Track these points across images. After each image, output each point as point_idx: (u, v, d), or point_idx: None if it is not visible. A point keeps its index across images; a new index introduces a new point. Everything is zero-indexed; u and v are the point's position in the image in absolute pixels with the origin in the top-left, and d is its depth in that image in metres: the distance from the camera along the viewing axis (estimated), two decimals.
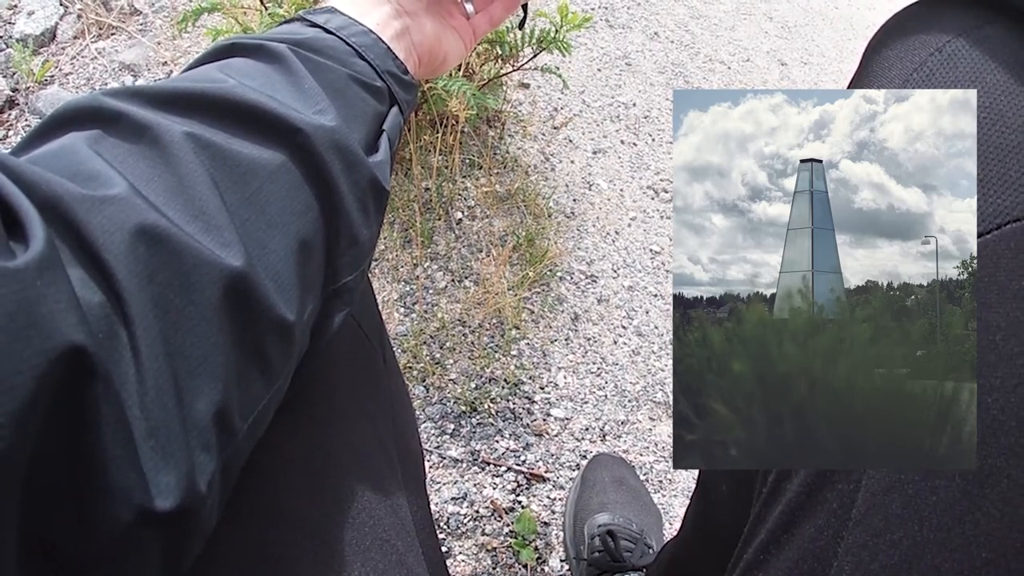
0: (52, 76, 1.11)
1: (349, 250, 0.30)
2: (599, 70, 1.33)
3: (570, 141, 1.18)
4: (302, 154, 0.28)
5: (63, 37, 1.17)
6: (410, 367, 0.88)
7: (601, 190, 1.13)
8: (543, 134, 1.17)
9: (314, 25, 0.34)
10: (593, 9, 1.43)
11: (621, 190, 1.14)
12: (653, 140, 1.25)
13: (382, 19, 0.36)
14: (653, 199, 1.15)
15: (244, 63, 0.30)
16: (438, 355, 0.90)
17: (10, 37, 1.13)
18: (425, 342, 0.90)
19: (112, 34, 1.19)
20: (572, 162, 1.15)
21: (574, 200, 1.10)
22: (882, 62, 0.30)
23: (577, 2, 1.43)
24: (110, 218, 0.20)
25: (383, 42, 0.35)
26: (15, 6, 1.18)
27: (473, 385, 0.88)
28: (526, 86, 1.22)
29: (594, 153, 1.18)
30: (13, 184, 0.19)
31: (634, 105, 1.29)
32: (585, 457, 0.86)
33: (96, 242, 0.20)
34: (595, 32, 1.39)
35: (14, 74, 1.09)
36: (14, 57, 1.08)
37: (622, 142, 1.22)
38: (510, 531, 0.79)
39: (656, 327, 1.00)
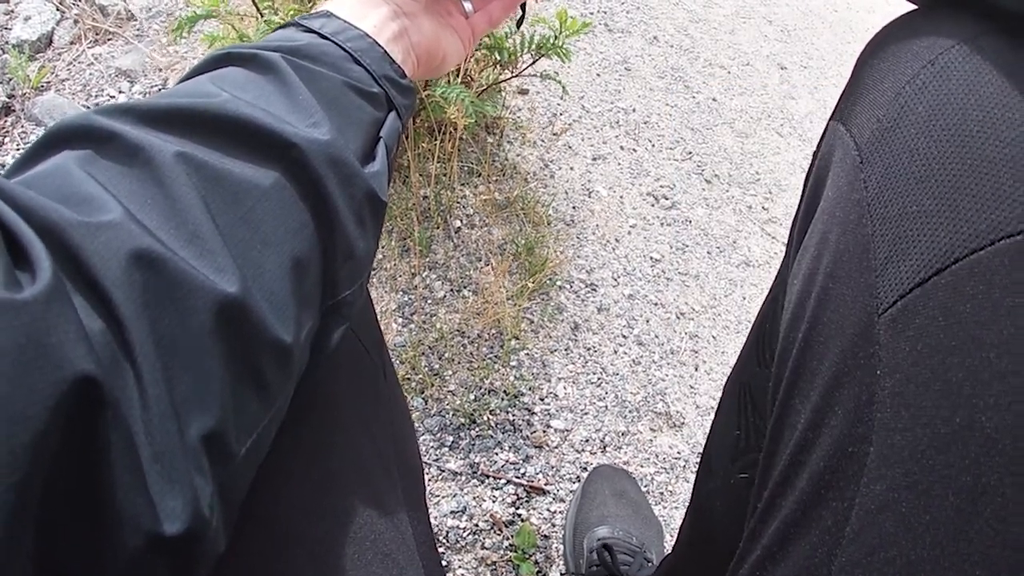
0: (48, 82, 1.11)
1: (346, 264, 0.30)
2: (598, 75, 1.32)
3: (569, 147, 1.18)
4: (296, 169, 0.27)
5: (59, 43, 1.17)
6: (408, 378, 0.87)
7: (601, 197, 1.13)
8: (542, 140, 1.17)
9: (309, 30, 0.33)
10: (592, 14, 1.42)
11: (621, 197, 1.14)
12: (653, 146, 1.24)
13: (380, 21, 0.35)
14: (653, 206, 1.15)
15: (238, 74, 0.30)
16: (437, 366, 0.89)
17: (6, 42, 1.12)
18: (423, 353, 0.90)
19: (109, 39, 1.19)
20: (571, 168, 1.15)
21: (574, 207, 1.10)
22: (874, 74, 0.29)
23: (576, 6, 1.43)
24: (106, 244, 0.20)
25: (379, 46, 0.34)
26: (12, 12, 1.17)
27: (472, 397, 0.87)
28: (525, 92, 1.22)
29: (594, 159, 1.18)
30: (13, 212, 0.19)
31: (634, 111, 1.28)
32: (585, 469, 0.85)
33: (94, 268, 0.20)
34: (594, 37, 1.38)
35: (10, 80, 1.08)
36: (10, 63, 1.07)
37: (622, 148, 1.21)
38: (510, 545, 0.78)
39: (656, 336, 0.99)
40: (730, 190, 1.23)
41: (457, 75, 1.03)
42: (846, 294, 0.25)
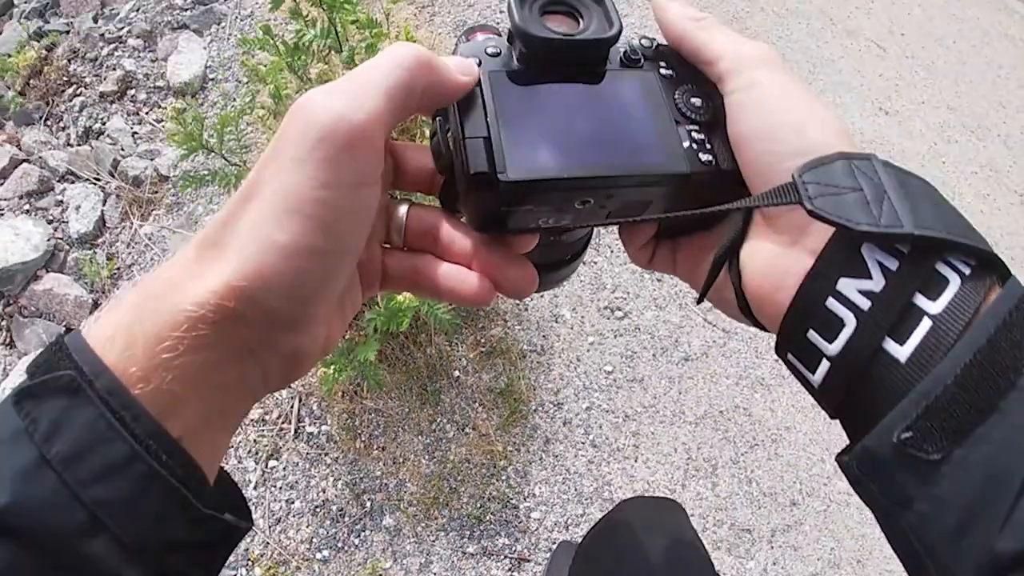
0: (119, 268, 1.37)
1: None
2: None
3: None
4: None
5: (111, 222, 1.39)
6: (437, 497, 1.31)
7: (566, 320, 1.42)
8: None
9: (34, 430, 0.18)
10: None
11: (582, 317, 1.43)
12: (611, 252, 1.47)
13: (224, 404, 0.21)
14: (608, 319, 1.44)
15: None
16: (454, 486, 1.32)
17: (69, 237, 1.36)
18: (444, 478, 1.32)
19: (152, 209, 1.40)
20: (542, 296, 1.42)
21: (544, 336, 1.40)
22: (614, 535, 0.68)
23: None
24: None
25: (170, 460, 0.19)
26: (61, 202, 1.38)
27: (479, 504, 1.32)
28: None
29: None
30: None
31: None
32: (555, 543, 1.32)
33: None
34: None
35: (85, 277, 1.34)
36: (84, 267, 1.33)
37: (583, 263, 1.46)
38: None
39: (607, 437, 1.38)
40: (678, 284, 1.49)
41: None
42: None
